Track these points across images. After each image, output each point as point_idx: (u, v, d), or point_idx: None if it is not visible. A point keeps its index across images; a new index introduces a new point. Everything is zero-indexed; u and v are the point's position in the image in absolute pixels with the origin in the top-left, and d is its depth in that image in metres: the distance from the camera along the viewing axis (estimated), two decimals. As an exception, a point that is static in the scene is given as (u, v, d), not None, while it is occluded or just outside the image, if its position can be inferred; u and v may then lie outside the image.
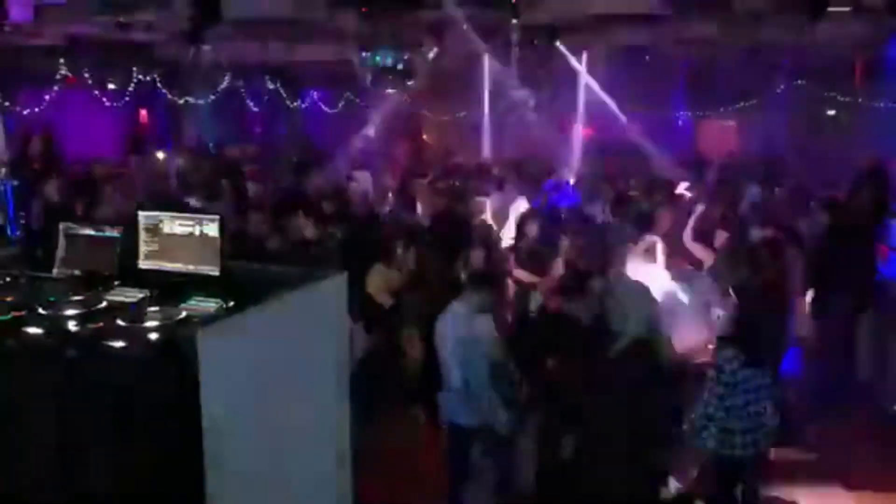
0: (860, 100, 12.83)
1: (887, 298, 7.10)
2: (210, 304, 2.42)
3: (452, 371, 4.78)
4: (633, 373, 3.94)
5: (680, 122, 15.24)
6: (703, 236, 6.62)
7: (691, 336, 5.50)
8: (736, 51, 12.28)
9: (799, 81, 13.30)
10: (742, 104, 13.88)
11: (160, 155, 13.67)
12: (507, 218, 8.34)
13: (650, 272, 5.84)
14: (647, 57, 13.50)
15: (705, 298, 5.69)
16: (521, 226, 7.22)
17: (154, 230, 2.66)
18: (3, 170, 8.39)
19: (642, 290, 4.24)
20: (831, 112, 13.81)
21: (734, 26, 10.22)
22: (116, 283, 2.65)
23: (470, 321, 4.80)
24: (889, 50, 11.77)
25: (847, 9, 8.92)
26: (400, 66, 13.65)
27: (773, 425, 4.38)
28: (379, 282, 6.04)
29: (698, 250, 6.44)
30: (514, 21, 10.65)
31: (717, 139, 14.97)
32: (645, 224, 7.10)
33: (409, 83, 14.28)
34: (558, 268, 6.21)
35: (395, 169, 12.60)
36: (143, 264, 2.67)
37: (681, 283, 5.73)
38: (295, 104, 17.20)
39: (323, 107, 17.31)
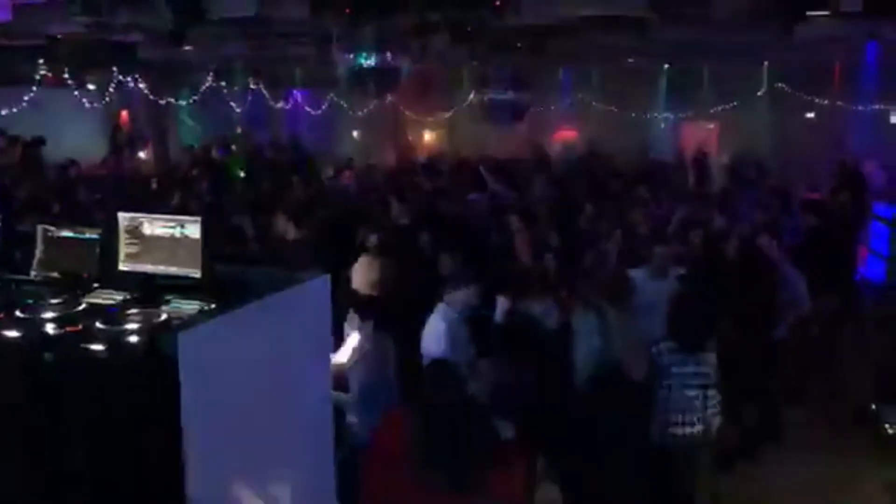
0: (839, 102, 12.97)
1: (866, 299, 7.19)
2: (191, 307, 2.39)
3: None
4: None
5: (662, 125, 15.36)
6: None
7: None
8: (716, 54, 12.38)
9: (779, 84, 13.44)
10: (722, 107, 14.02)
11: (141, 155, 13.57)
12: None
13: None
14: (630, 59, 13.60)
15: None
16: None
17: (135, 231, 2.62)
18: None
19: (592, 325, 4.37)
20: (811, 115, 13.95)
21: (714, 30, 10.31)
22: (96, 285, 2.60)
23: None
24: (867, 53, 11.93)
25: (825, 13, 9.02)
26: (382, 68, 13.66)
27: (713, 413, 4.46)
28: (363, 276, 6.01)
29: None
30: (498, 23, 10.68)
31: (699, 141, 15.09)
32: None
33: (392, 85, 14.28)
34: None
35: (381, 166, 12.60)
36: (124, 266, 2.63)
37: (655, 277, 5.71)
38: (278, 104, 17.13)
39: (307, 108, 17.25)
